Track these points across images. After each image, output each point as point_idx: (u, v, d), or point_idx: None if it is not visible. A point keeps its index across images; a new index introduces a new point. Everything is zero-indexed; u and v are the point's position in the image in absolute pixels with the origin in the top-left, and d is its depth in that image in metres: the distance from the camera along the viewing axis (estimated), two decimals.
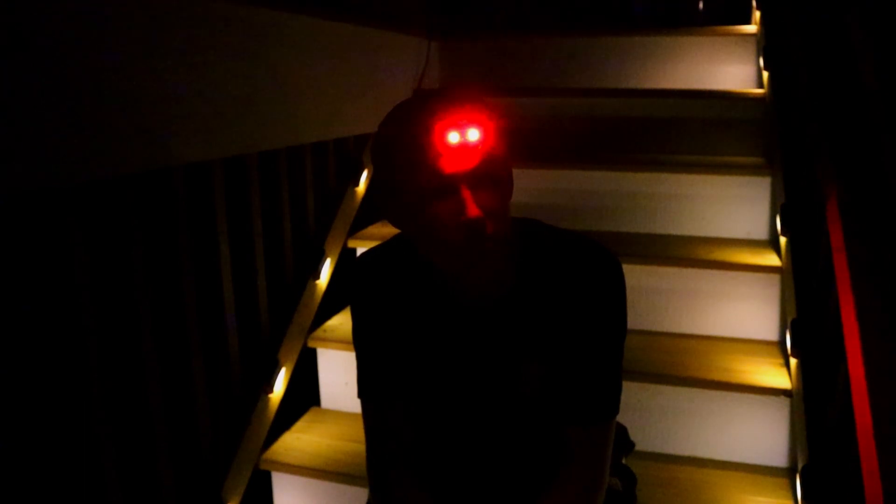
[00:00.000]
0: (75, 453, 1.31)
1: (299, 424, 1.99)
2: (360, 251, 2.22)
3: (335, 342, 2.01)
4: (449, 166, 0.88)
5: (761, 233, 2.15)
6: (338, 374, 2.06)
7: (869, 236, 1.25)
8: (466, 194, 0.88)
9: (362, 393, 1.13)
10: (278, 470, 1.86)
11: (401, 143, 0.90)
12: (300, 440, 1.91)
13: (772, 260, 1.94)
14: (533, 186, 2.26)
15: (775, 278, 1.93)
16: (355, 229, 2.30)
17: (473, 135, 0.88)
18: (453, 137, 0.87)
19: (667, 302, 2.02)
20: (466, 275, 0.98)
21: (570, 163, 2.26)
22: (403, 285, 1.08)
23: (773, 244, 2.08)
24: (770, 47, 2.39)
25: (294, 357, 1.98)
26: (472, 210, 0.88)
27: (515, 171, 0.99)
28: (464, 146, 0.88)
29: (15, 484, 1.19)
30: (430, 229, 0.92)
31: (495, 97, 0.97)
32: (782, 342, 1.91)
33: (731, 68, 2.63)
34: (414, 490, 1.10)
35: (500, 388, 1.08)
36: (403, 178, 0.91)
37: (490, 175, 0.90)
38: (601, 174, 2.26)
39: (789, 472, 1.74)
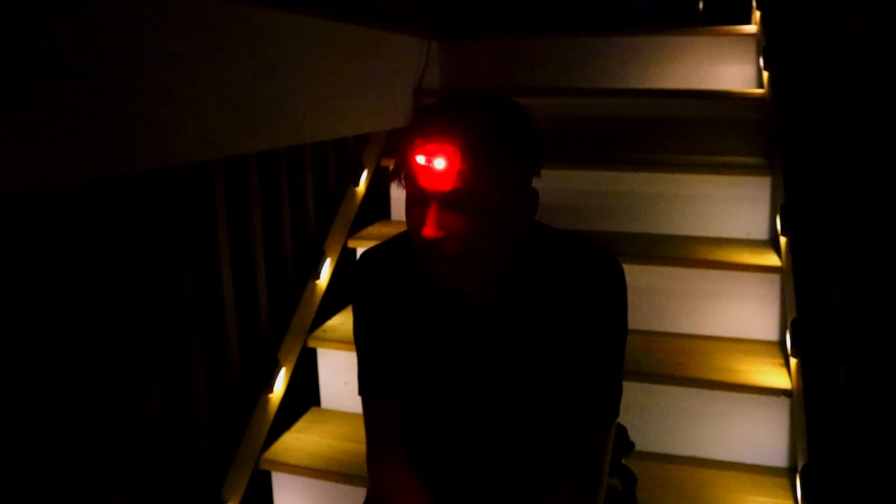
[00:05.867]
0: (75, 453, 1.31)
1: (299, 424, 1.99)
2: (360, 251, 2.22)
3: (335, 342, 2.01)
4: (424, 181, 0.89)
5: (761, 233, 2.15)
6: (338, 374, 2.06)
7: None
8: (432, 212, 0.90)
9: (363, 390, 1.13)
10: (278, 470, 1.86)
11: (403, 140, 0.93)
12: (300, 440, 1.91)
13: (772, 260, 1.94)
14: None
15: (775, 278, 1.93)
16: (355, 229, 2.30)
17: (440, 164, 0.87)
18: (420, 160, 0.88)
19: (667, 302, 2.02)
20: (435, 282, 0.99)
21: (570, 163, 2.26)
22: (406, 283, 1.08)
23: (773, 244, 2.08)
24: (770, 47, 2.39)
25: (294, 357, 1.98)
26: (429, 229, 0.90)
27: None
28: (430, 169, 0.88)
29: (16, 483, 1.20)
30: (408, 224, 0.96)
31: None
32: (782, 342, 1.91)
33: (731, 68, 2.62)
34: (412, 489, 1.10)
35: (498, 389, 1.08)
36: (400, 171, 0.94)
37: (463, 201, 0.89)
38: (601, 174, 2.26)
39: (789, 472, 1.74)
